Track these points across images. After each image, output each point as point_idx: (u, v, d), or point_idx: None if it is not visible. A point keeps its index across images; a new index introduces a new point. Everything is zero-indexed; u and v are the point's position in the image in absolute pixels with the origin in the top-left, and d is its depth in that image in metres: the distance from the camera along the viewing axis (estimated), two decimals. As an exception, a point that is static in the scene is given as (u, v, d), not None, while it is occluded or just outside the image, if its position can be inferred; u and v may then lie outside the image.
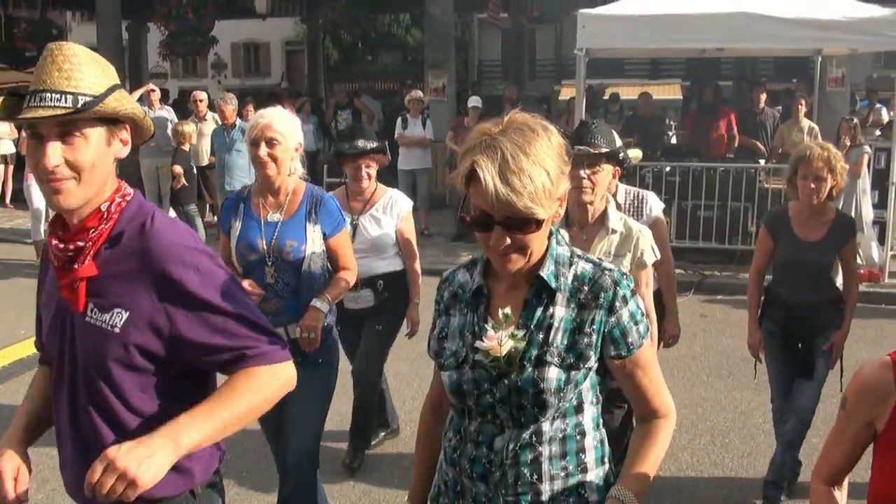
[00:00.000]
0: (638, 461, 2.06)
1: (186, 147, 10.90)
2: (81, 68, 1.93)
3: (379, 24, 30.97)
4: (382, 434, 5.53)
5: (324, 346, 3.78)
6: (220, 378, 2.15)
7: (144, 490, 1.80)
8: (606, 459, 2.14)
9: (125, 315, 1.99)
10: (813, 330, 4.57)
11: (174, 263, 2.00)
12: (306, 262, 3.74)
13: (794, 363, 4.68)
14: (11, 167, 14.82)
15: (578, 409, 2.06)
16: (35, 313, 2.29)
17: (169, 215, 2.21)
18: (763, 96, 12.69)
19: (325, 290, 3.78)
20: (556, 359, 1.98)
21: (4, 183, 15.05)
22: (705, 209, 10.43)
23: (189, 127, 11.03)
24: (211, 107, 11.93)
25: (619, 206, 4.14)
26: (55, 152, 1.91)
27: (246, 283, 3.66)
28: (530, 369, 1.97)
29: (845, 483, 2.19)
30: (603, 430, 2.16)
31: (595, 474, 2.08)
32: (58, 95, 1.89)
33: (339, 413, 5.13)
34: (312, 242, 3.76)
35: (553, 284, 2.01)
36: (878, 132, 13.41)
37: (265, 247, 3.74)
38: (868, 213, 9.79)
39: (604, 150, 3.68)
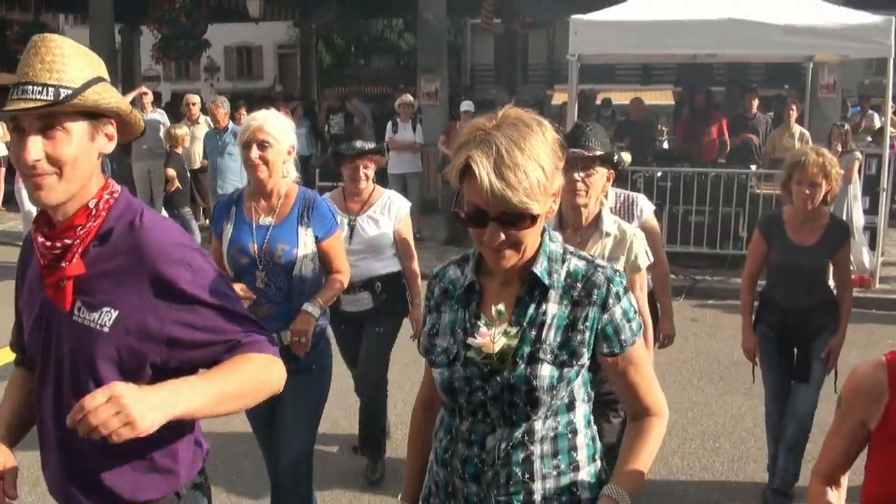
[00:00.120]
0: (631, 459, 2.05)
1: (179, 150, 10.87)
2: (65, 60, 1.89)
3: (372, 28, 31.05)
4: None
5: (315, 350, 3.76)
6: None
7: (138, 434, 1.70)
8: (598, 457, 2.13)
9: (114, 314, 1.96)
10: (807, 334, 4.58)
11: (166, 260, 1.97)
12: (298, 265, 3.72)
13: (788, 367, 4.69)
14: (3, 169, 14.76)
15: (570, 406, 2.05)
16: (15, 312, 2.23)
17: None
18: (755, 102, 12.75)
19: (317, 295, 3.76)
20: (548, 356, 1.97)
21: (-3, 186, 14.98)
22: (696, 214, 10.46)
23: (182, 130, 11.01)
24: (203, 110, 11.93)
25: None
26: (36, 146, 1.87)
27: (238, 287, 3.63)
28: (523, 367, 1.96)
29: (844, 484, 2.21)
30: (594, 427, 2.15)
31: (587, 472, 2.07)
32: (39, 88, 1.85)
33: (330, 417, 5.12)
34: (304, 246, 3.74)
35: (546, 281, 2.00)
36: (869, 138, 13.46)
37: (256, 250, 3.71)
38: (859, 219, 9.83)
39: (598, 152, 3.67)
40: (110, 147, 2.02)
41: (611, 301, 1.99)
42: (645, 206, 4.40)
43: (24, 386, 2.24)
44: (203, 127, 11.57)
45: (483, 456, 2.02)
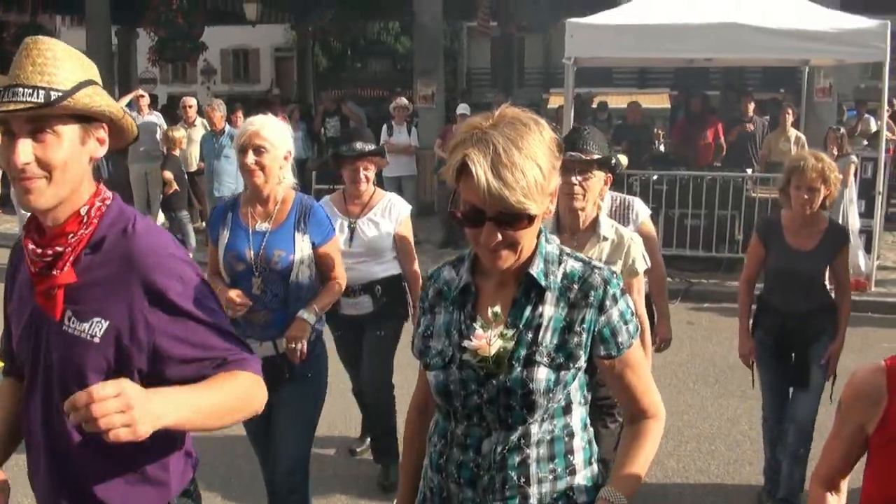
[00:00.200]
0: (628, 462, 2.04)
1: (176, 153, 10.86)
2: (56, 63, 1.86)
3: (368, 31, 31.06)
4: (369, 440, 5.49)
5: (311, 356, 3.74)
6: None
7: (134, 439, 1.65)
8: (594, 460, 2.11)
9: (105, 324, 1.93)
10: (805, 338, 4.57)
11: (158, 271, 1.94)
12: (294, 272, 3.70)
13: (786, 372, 4.67)
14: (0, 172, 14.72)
15: (566, 409, 2.03)
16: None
17: (159, 221, 2.16)
18: (751, 105, 12.77)
19: (313, 301, 3.75)
20: (545, 359, 1.95)
21: (-7, 189, 14.96)
22: (692, 217, 10.48)
23: (179, 133, 10.99)
24: (200, 113, 11.93)
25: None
26: (25, 149, 1.84)
27: (234, 294, 3.62)
28: (519, 369, 1.94)
29: (844, 489, 2.21)
30: (591, 431, 2.13)
31: (583, 476, 2.06)
32: (30, 90, 1.81)
33: (326, 419, 5.10)
34: (301, 252, 3.72)
35: (542, 282, 1.98)
36: (865, 142, 13.49)
37: (253, 257, 3.69)
38: (855, 222, 9.84)
39: (596, 156, 3.66)
40: (102, 152, 1.99)
41: (608, 303, 1.98)
42: (641, 210, 4.40)
43: (13, 397, 2.19)
44: (199, 129, 11.58)
45: (479, 460, 2.00)
